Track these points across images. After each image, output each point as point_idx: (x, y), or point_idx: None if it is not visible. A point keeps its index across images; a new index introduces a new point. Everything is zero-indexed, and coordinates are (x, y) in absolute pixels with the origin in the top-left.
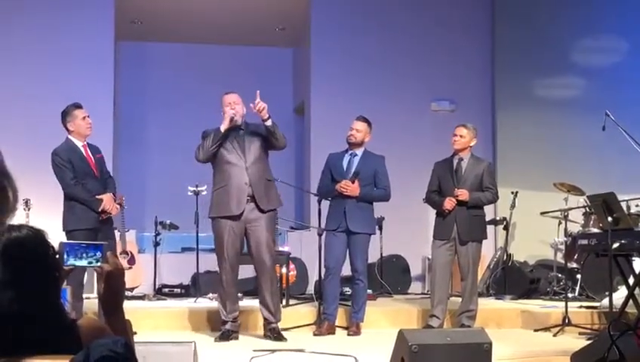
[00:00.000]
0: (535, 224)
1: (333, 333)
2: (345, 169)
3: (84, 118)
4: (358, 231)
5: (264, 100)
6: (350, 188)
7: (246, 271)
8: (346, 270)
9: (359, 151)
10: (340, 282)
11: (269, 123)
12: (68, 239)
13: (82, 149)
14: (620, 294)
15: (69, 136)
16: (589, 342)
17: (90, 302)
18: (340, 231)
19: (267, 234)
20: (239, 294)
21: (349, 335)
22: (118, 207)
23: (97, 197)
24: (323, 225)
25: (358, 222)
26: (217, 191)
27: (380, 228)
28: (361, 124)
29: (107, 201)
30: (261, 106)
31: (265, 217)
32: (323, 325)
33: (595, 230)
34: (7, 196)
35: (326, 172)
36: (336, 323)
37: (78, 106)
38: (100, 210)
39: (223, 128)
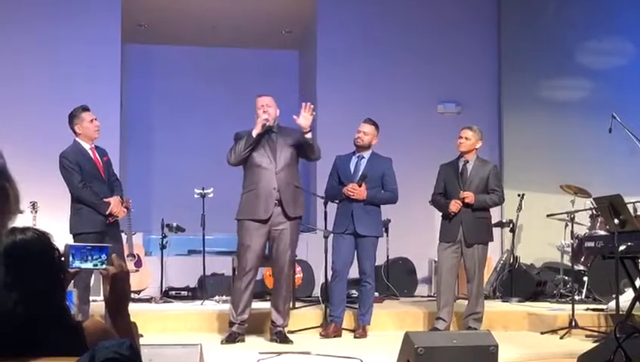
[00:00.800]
0: (541, 226)
1: (340, 336)
2: (352, 172)
3: (91, 120)
4: (365, 233)
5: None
6: (357, 191)
7: None
8: (353, 272)
9: (366, 154)
10: (347, 284)
11: (309, 135)
12: (75, 242)
13: (90, 152)
14: (627, 296)
15: (77, 139)
16: (595, 344)
17: (97, 304)
18: (348, 234)
19: (290, 241)
20: None
21: (355, 337)
22: (125, 210)
23: (105, 200)
24: (329, 228)
25: (365, 224)
26: (246, 194)
27: (386, 231)
28: (368, 127)
29: (115, 204)
30: (308, 121)
31: (290, 224)
32: (329, 327)
33: (602, 232)
34: (8, 195)
35: (333, 174)
36: (343, 326)
37: (85, 109)
38: (107, 213)
39: (255, 133)
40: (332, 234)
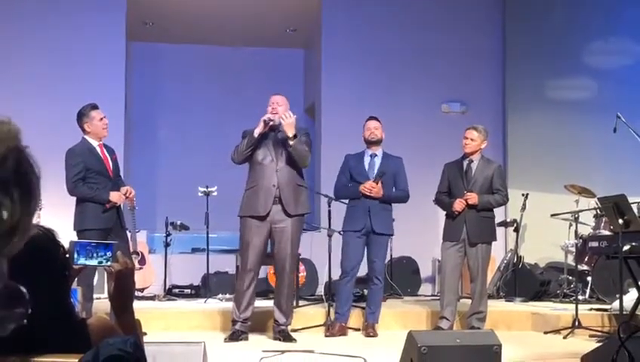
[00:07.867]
0: (546, 226)
1: (345, 334)
2: (367, 169)
3: (101, 118)
4: (381, 231)
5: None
6: (375, 189)
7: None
8: (361, 271)
9: (379, 152)
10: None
11: (291, 142)
12: (79, 238)
13: (98, 149)
14: (631, 297)
15: (85, 137)
16: (599, 344)
17: (100, 302)
18: (361, 232)
19: (291, 238)
20: None
21: (367, 336)
22: (124, 197)
23: (109, 192)
24: (334, 227)
25: (381, 222)
26: (248, 191)
27: None
28: (375, 122)
29: (114, 195)
30: (285, 121)
31: (291, 221)
32: (335, 326)
33: (606, 232)
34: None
35: (345, 172)
36: (348, 324)
37: (94, 107)
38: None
39: (256, 133)
40: (340, 233)
